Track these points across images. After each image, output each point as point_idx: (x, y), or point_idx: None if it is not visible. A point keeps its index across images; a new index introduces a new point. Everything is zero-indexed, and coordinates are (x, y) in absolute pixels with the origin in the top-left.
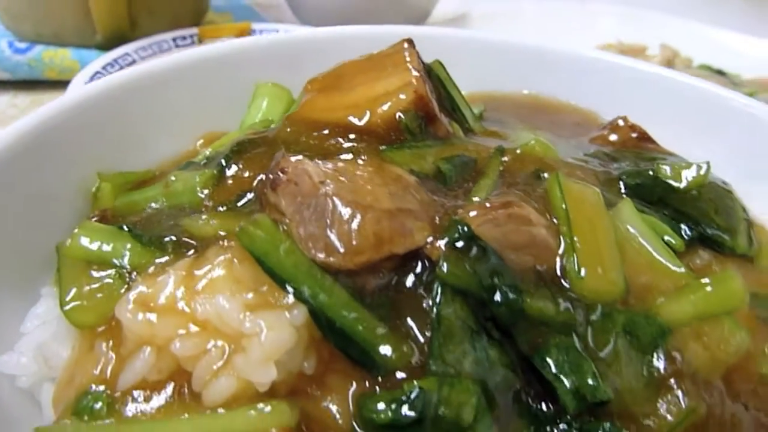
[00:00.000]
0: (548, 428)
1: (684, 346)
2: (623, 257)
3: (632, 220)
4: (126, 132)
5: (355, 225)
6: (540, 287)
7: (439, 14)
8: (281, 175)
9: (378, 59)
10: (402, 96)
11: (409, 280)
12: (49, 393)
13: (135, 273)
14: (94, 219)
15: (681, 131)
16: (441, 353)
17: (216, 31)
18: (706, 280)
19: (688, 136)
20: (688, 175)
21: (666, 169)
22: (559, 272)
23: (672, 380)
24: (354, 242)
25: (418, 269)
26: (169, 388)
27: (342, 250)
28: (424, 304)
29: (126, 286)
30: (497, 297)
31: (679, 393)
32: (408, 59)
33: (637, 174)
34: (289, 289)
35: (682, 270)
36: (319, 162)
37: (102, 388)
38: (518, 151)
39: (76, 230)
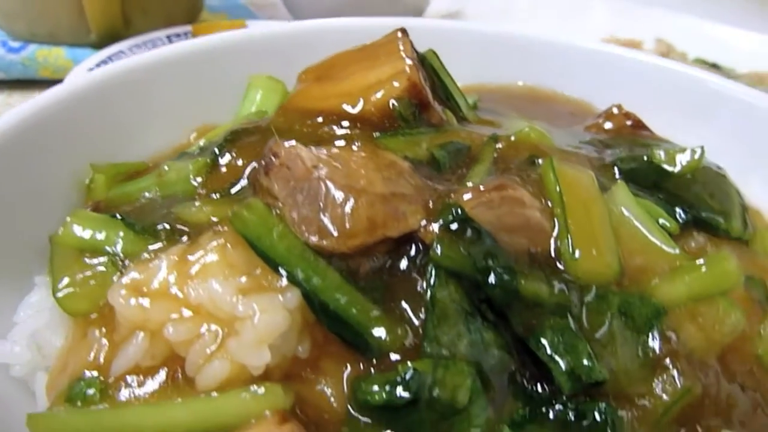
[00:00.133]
0: (544, 409)
1: (679, 327)
2: (618, 239)
3: (626, 202)
4: (120, 124)
5: (348, 209)
6: (534, 269)
7: (433, 11)
8: (273, 159)
9: (371, 49)
10: (395, 83)
11: (403, 264)
12: (42, 382)
13: (128, 260)
14: (87, 210)
15: (674, 120)
16: (435, 335)
17: (210, 28)
18: (700, 261)
19: (682, 125)
20: (682, 159)
21: (660, 153)
22: (553, 254)
23: (667, 360)
24: (347, 226)
25: (412, 253)
26: (163, 374)
27: (335, 233)
28: (419, 287)
29: (119, 273)
30: (491, 279)
31: (675, 373)
32: (401, 48)
33: (632, 159)
34: (283, 272)
35: (677, 251)
36: (312, 148)
37: (95, 374)
38: (513, 138)
39: (68, 218)
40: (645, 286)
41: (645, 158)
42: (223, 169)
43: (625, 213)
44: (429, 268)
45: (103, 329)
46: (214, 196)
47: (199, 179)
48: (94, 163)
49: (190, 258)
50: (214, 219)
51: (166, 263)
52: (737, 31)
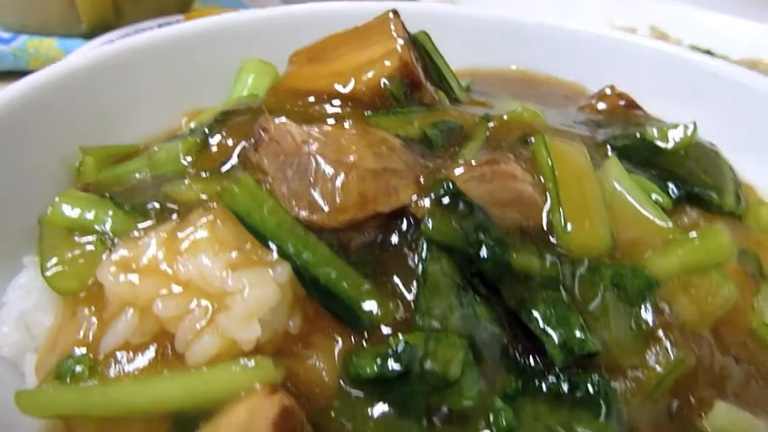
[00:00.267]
0: (536, 382)
1: (672, 298)
2: (610, 213)
3: (619, 177)
4: (110, 109)
5: (338, 183)
6: (526, 242)
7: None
8: (263, 134)
9: (363, 30)
10: (387, 63)
11: (395, 238)
12: (31, 362)
13: (117, 239)
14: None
15: (668, 101)
16: (427, 308)
17: (201, 16)
18: (693, 234)
19: (675, 106)
20: (675, 135)
21: (653, 130)
22: (545, 228)
23: (660, 332)
24: (338, 200)
25: (404, 227)
26: (152, 350)
27: (326, 208)
28: (410, 262)
29: (108, 251)
30: (483, 252)
31: (668, 344)
32: (393, 28)
33: (624, 136)
34: (273, 246)
35: (670, 225)
36: (303, 125)
37: (84, 351)
38: (505, 118)
39: (57, 198)
40: (638, 259)
41: (638, 135)
42: (214, 149)
43: (618, 187)
44: (420, 242)
45: (92, 307)
46: (203, 174)
47: (189, 158)
48: (84, 146)
49: (180, 235)
50: (204, 197)
51: (155, 240)
52: (731, 19)
